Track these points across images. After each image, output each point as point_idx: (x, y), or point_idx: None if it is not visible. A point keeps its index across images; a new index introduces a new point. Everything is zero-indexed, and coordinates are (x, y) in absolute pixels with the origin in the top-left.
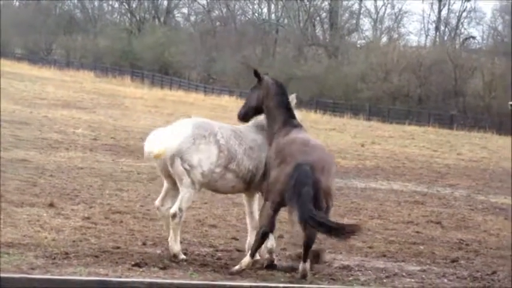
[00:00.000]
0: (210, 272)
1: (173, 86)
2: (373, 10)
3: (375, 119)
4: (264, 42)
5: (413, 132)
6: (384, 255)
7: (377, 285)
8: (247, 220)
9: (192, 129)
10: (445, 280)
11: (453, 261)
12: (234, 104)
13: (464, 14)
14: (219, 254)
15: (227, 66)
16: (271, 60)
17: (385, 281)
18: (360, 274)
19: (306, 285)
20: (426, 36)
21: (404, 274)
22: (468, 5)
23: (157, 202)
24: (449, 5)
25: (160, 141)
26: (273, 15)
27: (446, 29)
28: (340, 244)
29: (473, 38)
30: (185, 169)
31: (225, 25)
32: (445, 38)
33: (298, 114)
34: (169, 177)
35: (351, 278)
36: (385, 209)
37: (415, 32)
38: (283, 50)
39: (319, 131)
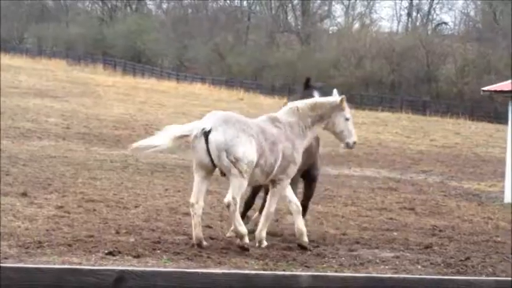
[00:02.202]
0: (184, 260)
1: (145, 74)
2: None
3: (348, 105)
4: (236, 29)
5: (386, 119)
6: (358, 242)
7: (351, 272)
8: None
9: (234, 124)
10: (419, 266)
11: (427, 247)
12: (207, 91)
13: (436, 0)
14: (193, 242)
15: (199, 54)
16: (244, 48)
17: (358, 267)
18: (333, 261)
19: (279, 272)
20: (398, 22)
21: (378, 261)
22: None
23: (192, 199)
24: None
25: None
26: (244, 2)
27: (419, 15)
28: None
29: (446, 23)
30: (231, 161)
31: (197, 12)
32: (417, 23)
33: None
34: (204, 169)
35: (324, 265)
36: (359, 196)
37: (388, 18)
38: (256, 37)
39: None
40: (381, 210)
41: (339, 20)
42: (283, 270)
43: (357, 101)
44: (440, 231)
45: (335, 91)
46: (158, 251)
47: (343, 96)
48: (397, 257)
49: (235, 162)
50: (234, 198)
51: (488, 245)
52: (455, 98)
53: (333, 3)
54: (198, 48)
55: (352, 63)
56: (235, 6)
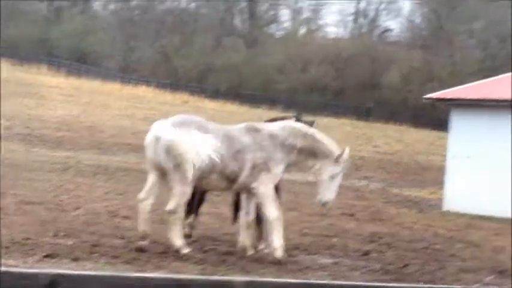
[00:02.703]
0: (122, 264)
1: (90, 75)
2: (292, 1)
3: (292, 110)
4: (182, 32)
5: (330, 124)
6: (297, 248)
7: (290, 278)
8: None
9: (187, 126)
10: (357, 273)
11: (365, 254)
12: (152, 94)
13: (382, 6)
14: (131, 246)
15: (145, 56)
16: (190, 50)
17: (297, 273)
18: (273, 266)
19: (213, 277)
20: (345, 28)
21: (317, 267)
22: None
23: (142, 195)
24: None
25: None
26: (192, 5)
27: (365, 21)
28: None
29: (391, 30)
30: (177, 164)
31: (144, 14)
32: (363, 30)
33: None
34: (155, 169)
35: (264, 270)
36: (300, 201)
37: (334, 23)
38: (202, 40)
39: (237, 122)
40: (321, 216)
41: (286, 24)
42: (222, 275)
43: (302, 106)
44: (379, 237)
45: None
46: (96, 255)
47: (348, 148)
48: (336, 263)
49: (181, 165)
50: (177, 206)
51: (427, 252)
52: (398, 105)
53: (280, 7)
54: (144, 50)
55: (298, 68)
56: (182, 9)
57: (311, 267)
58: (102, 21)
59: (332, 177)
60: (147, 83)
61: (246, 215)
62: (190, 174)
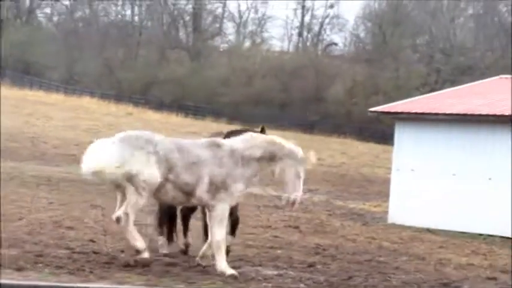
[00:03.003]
0: (66, 274)
1: (33, 86)
2: (236, 14)
3: (237, 123)
4: (126, 44)
5: None
6: (242, 259)
7: None
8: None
9: (130, 141)
10: (302, 285)
11: (310, 266)
12: (95, 105)
13: (327, 21)
14: (76, 256)
15: (89, 67)
16: (134, 63)
17: (241, 284)
18: (217, 278)
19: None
20: (289, 41)
21: (260, 278)
22: (331, 11)
23: (117, 214)
24: (312, 11)
25: (98, 158)
26: (136, 18)
27: (309, 35)
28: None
29: (336, 44)
30: (126, 178)
31: (88, 26)
32: (308, 43)
33: None
34: (119, 187)
35: (208, 282)
36: (244, 213)
37: (278, 37)
38: (146, 53)
39: (181, 134)
40: (265, 228)
41: (230, 37)
42: (166, 286)
43: (246, 118)
44: (324, 250)
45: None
46: (40, 265)
47: (312, 153)
48: (280, 275)
49: (130, 178)
50: (125, 213)
51: (371, 264)
52: (343, 118)
53: (225, 20)
54: (88, 62)
55: (242, 81)
56: (127, 21)
57: (255, 279)
58: (46, 33)
59: (297, 176)
60: (91, 94)
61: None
62: (142, 184)
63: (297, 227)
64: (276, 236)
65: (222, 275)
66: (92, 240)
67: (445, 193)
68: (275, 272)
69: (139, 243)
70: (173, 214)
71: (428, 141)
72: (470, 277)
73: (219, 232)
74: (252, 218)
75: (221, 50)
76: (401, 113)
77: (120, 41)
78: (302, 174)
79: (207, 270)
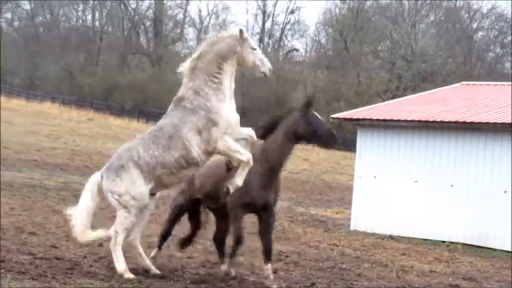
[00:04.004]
0: (28, 280)
1: None
2: (197, 20)
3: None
4: (87, 50)
5: None
6: (204, 266)
7: None
8: None
9: (111, 168)
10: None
11: (272, 272)
12: (57, 110)
13: (288, 27)
14: (38, 262)
15: (50, 73)
16: (95, 68)
17: None
18: (179, 284)
19: None
20: None
21: (223, 285)
22: (292, 17)
23: (108, 233)
24: (273, 17)
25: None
26: (97, 23)
27: (270, 41)
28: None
29: (297, 50)
30: (117, 200)
31: (49, 31)
32: (269, 49)
33: None
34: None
35: (172, 287)
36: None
37: None
38: (107, 58)
39: None
40: (228, 234)
41: (191, 43)
42: None
43: None
44: (286, 256)
45: (233, 27)
46: (2, 270)
47: (240, 27)
48: (241, 281)
49: (119, 198)
50: (116, 232)
51: (334, 271)
52: None
53: (186, 26)
54: (49, 67)
55: None
56: (88, 27)
57: (218, 285)
58: (7, 38)
59: (254, 50)
60: (52, 99)
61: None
62: (131, 201)
63: None
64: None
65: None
66: (54, 246)
67: (407, 200)
68: (238, 279)
69: (120, 265)
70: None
71: (390, 148)
72: (433, 284)
73: (241, 156)
74: (214, 225)
75: (182, 55)
76: (363, 119)
77: (81, 46)
78: (254, 45)
79: (169, 276)
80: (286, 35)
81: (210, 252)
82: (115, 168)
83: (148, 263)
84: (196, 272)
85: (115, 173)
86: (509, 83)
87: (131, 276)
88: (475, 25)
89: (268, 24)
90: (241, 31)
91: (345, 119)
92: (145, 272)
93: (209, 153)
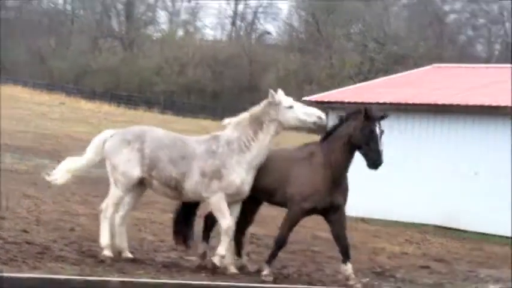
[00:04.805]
0: None
1: None
2: (169, 3)
3: (170, 112)
4: (59, 33)
5: (208, 127)
6: (175, 249)
7: (167, 278)
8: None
9: (122, 135)
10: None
11: (246, 255)
12: (28, 95)
13: (260, 10)
14: (8, 247)
15: (21, 57)
16: (66, 52)
17: (175, 274)
18: (150, 268)
19: (89, 277)
20: (222, 30)
21: (194, 268)
22: (264, 0)
23: (101, 205)
24: (245, 0)
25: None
26: (68, 6)
27: (243, 24)
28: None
29: (269, 33)
30: (112, 170)
31: (20, 15)
32: (241, 32)
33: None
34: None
35: (141, 272)
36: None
37: (212, 26)
38: (79, 42)
39: (114, 123)
40: (200, 217)
41: (163, 26)
42: (100, 276)
43: (179, 108)
44: (258, 239)
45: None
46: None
47: (271, 90)
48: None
49: (113, 170)
50: (106, 205)
51: (305, 254)
52: None
53: (158, 9)
54: (20, 51)
55: (175, 70)
56: (59, 10)
57: (189, 268)
58: None
59: (291, 108)
60: (24, 83)
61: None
62: (120, 177)
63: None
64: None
65: (215, 257)
66: (24, 231)
67: (379, 182)
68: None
69: (103, 239)
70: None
71: None
72: (404, 266)
73: (224, 220)
74: None
75: (154, 39)
76: (335, 102)
77: (52, 30)
78: (290, 103)
79: (141, 259)
80: (258, 18)
81: None
82: (124, 138)
83: (125, 245)
84: (167, 256)
85: (120, 142)
86: (481, 65)
87: (108, 254)
88: (447, 8)
89: (240, 7)
90: (272, 96)
91: (317, 102)
92: (118, 253)
93: (199, 197)
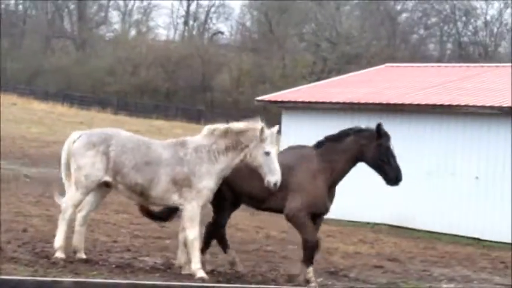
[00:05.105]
0: None
1: None
2: (122, 3)
3: (123, 113)
4: (11, 34)
5: (161, 127)
6: (129, 250)
7: (120, 279)
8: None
9: (88, 137)
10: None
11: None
12: None
13: (213, 9)
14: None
15: None
16: (18, 52)
17: (129, 275)
18: (104, 268)
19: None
20: (175, 30)
21: (148, 268)
22: (217, 0)
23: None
24: (198, 0)
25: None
26: (20, 6)
27: (195, 24)
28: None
29: (222, 33)
30: (74, 170)
31: None
32: (194, 32)
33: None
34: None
35: (95, 272)
36: (131, 203)
37: (164, 25)
38: (31, 42)
39: (67, 124)
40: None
41: (116, 26)
42: (54, 276)
43: (132, 108)
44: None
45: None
46: None
47: (263, 125)
48: (169, 265)
49: (77, 171)
50: (66, 207)
51: (259, 254)
52: (230, 108)
53: (110, 9)
54: None
55: (128, 70)
56: (11, 11)
57: (143, 269)
58: None
59: (267, 155)
60: None
61: (182, 231)
62: (83, 179)
63: None
64: (163, 226)
65: (192, 275)
66: None
67: None
68: (163, 262)
69: (57, 241)
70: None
71: (315, 130)
72: (358, 265)
73: (192, 231)
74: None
75: (107, 39)
76: (288, 102)
77: (4, 30)
78: (269, 150)
79: (94, 260)
80: (211, 18)
81: (135, 236)
82: (89, 141)
83: (81, 245)
84: (121, 256)
85: (85, 144)
86: (433, 64)
87: (61, 255)
88: (398, 7)
89: (193, 7)
90: (262, 130)
91: (270, 102)
92: (74, 253)
93: (166, 203)
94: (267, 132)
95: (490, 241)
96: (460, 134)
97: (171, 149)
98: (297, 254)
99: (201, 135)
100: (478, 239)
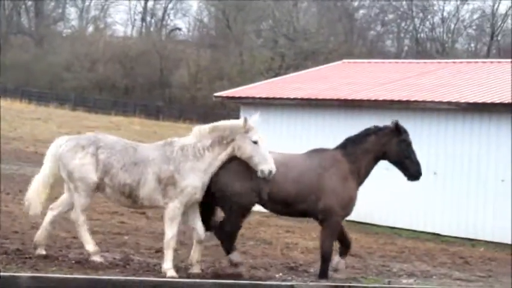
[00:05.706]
0: None
1: None
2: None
3: (81, 109)
4: None
5: (120, 123)
6: None
7: (80, 274)
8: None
9: (76, 140)
10: (149, 270)
11: (157, 251)
12: None
13: (170, 6)
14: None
15: None
16: None
17: (87, 270)
18: (63, 264)
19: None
20: (133, 26)
21: (107, 264)
22: None
23: (71, 216)
24: None
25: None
26: None
27: (153, 20)
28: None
29: (179, 29)
30: (66, 176)
31: None
32: (152, 29)
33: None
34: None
35: (54, 268)
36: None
37: (122, 22)
38: None
39: (25, 120)
40: (112, 213)
41: (73, 23)
42: (14, 272)
43: (90, 104)
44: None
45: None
46: None
47: (246, 117)
48: (128, 261)
49: (70, 176)
50: (77, 215)
51: (219, 249)
52: (188, 104)
53: (67, 5)
54: None
55: (85, 66)
56: None
57: (102, 265)
58: None
59: (254, 143)
60: None
61: (193, 230)
62: (79, 183)
63: (143, 213)
64: (122, 222)
65: (163, 273)
66: None
67: None
68: (122, 257)
69: (90, 246)
70: None
71: (273, 126)
72: (317, 261)
73: (170, 231)
74: (99, 204)
75: (64, 35)
76: (246, 97)
77: None
78: (256, 138)
79: (54, 256)
80: (168, 14)
81: (94, 232)
82: (78, 144)
83: (44, 242)
84: (80, 252)
85: (74, 147)
86: (390, 60)
87: (100, 259)
88: (356, 3)
89: (150, 4)
90: (245, 120)
91: (228, 98)
92: (34, 248)
93: (154, 204)
94: (250, 121)
95: (450, 236)
96: (418, 130)
97: (159, 149)
98: (257, 250)
99: (190, 136)
100: (438, 235)
